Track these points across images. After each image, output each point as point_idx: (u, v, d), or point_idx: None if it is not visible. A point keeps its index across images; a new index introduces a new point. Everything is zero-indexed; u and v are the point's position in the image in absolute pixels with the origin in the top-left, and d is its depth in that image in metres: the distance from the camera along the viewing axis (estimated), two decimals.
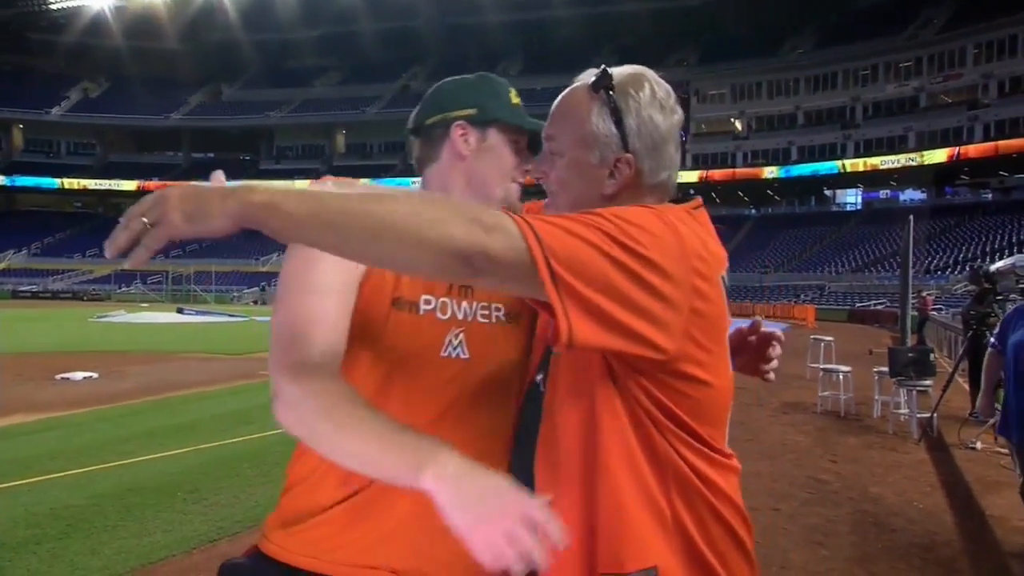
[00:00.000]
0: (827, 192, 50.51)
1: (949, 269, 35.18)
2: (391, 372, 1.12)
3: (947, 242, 38.66)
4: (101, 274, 50.20)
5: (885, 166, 43.63)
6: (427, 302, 1.14)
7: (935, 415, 6.92)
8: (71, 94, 60.37)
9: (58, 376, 9.75)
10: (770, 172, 46.87)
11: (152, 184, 58.02)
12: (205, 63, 61.49)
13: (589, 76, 1.10)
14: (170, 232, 0.81)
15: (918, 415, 6.94)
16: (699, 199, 1.10)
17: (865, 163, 44.05)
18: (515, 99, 1.29)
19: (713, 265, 0.99)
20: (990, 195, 44.23)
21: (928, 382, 7.02)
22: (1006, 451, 6.32)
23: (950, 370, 9.01)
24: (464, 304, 1.16)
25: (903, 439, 6.81)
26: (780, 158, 47.06)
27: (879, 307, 31.75)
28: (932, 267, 35.37)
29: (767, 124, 48.31)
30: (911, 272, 12.78)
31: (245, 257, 52.68)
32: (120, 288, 47.11)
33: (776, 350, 1.28)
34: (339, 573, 1.07)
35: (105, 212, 61.15)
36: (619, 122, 1.04)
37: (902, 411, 7.23)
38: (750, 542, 1.03)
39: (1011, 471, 5.71)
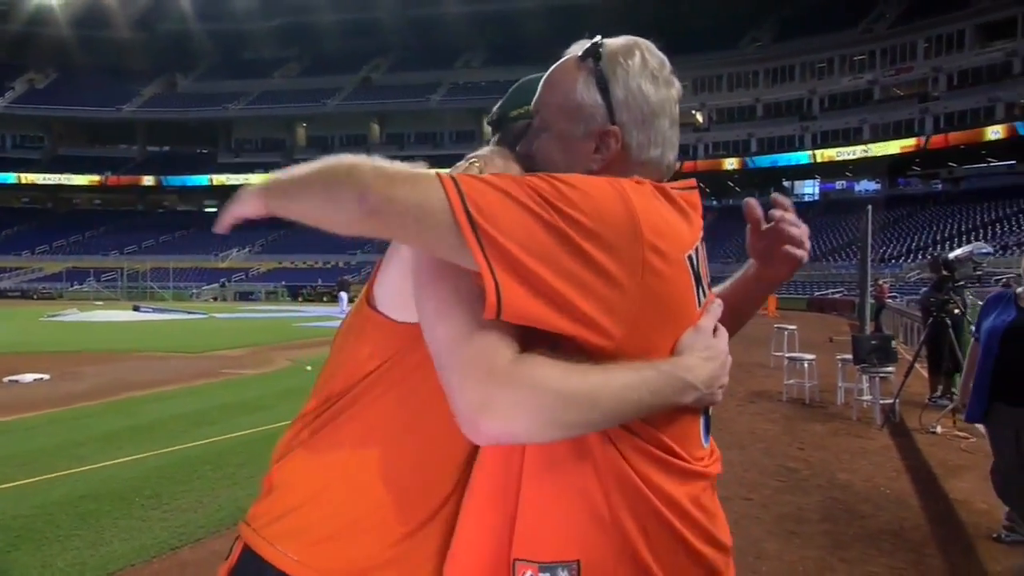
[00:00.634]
0: (786, 183, 51.46)
1: (903, 257, 36.22)
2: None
3: (900, 231, 39.77)
4: (52, 272, 48.62)
5: (841, 157, 44.62)
6: None
7: (897, 401, 7.06)
8: (15, 85, 58.05)
9: (6, 379, 9.34)
10: (731, 163, 47.52)
11: (109, 179, 56.49)
12: (159, 54, 59.70)
13: (580, 47, 1.03)
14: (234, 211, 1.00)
15: (881, 401, 7.07)
16: (693, 180, 1.04)
17: (822, 154, 44.99)
18: None
19: (673, 241, 0.93)
20: (940, 186, 45.65)
21: (890, 369, 7.16)
22: (965, 435, 6.50)
23: (908, 357, 9.23)
24: None
25: (867, 425, 6.93)
26: (740, 150, 47.78)
27: (836, 295, 32.54)
28: (887, 256, 36.33)
29: (727, 116, 48.97)
30: (869, 260, 13.09)
31: (204, 253, 51.53)
32: (72, 286, 45.67)
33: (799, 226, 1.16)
34: None
35: (55, 207, 59.23)
36: (605, 92, 0.98)
37: (865, 398, 7.36)
38: (713, 552, 0.96)
39: (971, 454, 5.87)
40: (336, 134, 58.27)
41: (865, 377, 7.32)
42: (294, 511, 1.04)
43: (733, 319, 1.11)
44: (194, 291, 44.65)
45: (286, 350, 13.78)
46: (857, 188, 49.15)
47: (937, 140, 40.90)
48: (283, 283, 45.70)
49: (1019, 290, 3.53)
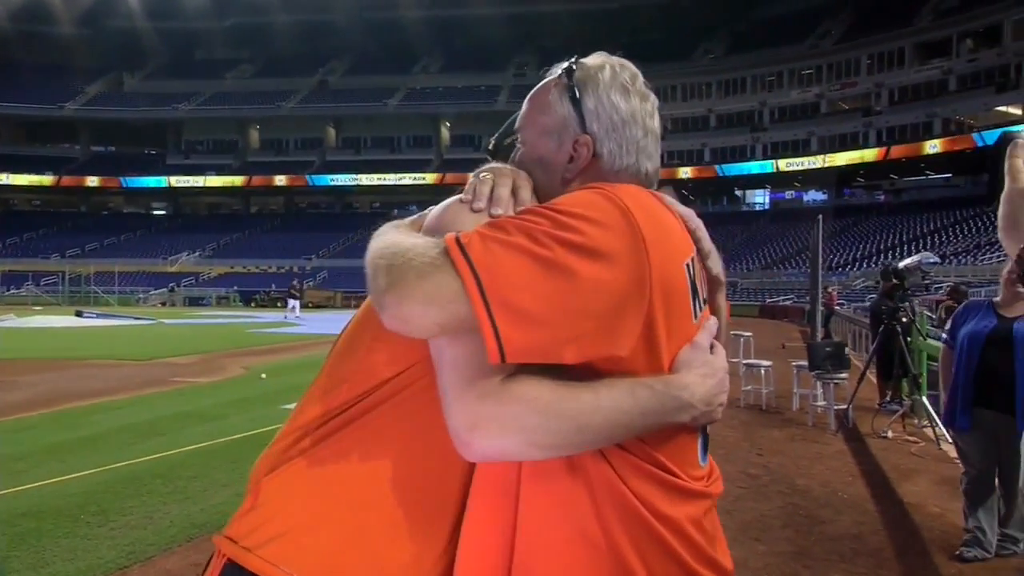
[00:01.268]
0: (737, 192, 52.71)
1: (849, 266, 37.43)
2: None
3: (847, 240, 41.09)
4: None
5: (790, 168, 45.93)
6: None
7: (851, 407, 7.24)
8: None
9: None
10: (685, 172, 48.34)
11: (58, 179, 54.32)
12: (105, 51, 57.68)
13: (559, 68, 1.08)
14: None
15: (835, 407, 7.24)
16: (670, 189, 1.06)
17: (776, 164, 46.24)
18: None
19: (673, 250, 0.95)
20: (883, 197, 47.39)
21: (844, 375, 7.35)
22: (915, 439, 6.70)
23: (858, 363, 9.50)
24: None
25: (822, 430, 7.09)
26: (694, 159, 48.74)
27: (787, 303, 33.37)
28: (834, 264, 37.46)
29: (682, 126, 49.88)
30: (820, 269, 13.45)
31: (152, 257, 49.98)
32: (8, 290, 43.63)
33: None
34: None
35: None
36: (577, 103, 1.02)
37: (820, 403, 7.52)
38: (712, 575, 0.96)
39: (921, 458, 6.05)
40: (291, 137, 57.36)
41: (820, 383, 7.49)
42: (296, 527, 0.98)
43: None
44: (141, 296, 43.18)
45: (240, 357, 13.43)
46: (806, 198, 50.62)
47: (880, 153, 42.45)
48: (235, 288, 44.54)
49: (995, 299, 3.65)
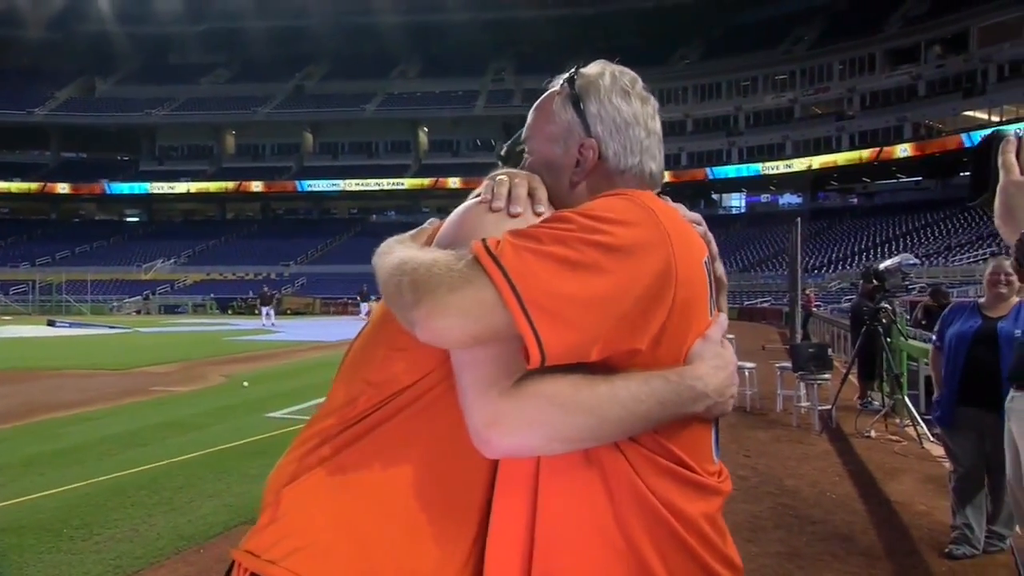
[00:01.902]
0: (715, 196, 53.23)
1: (825, 268, 37.91)
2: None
3: (822, 243, 41.65)
4: None
5: (767, 171, 46.53)
6: None
7: (834, 407, 7.32)
8: None
9: None
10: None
11: (20, 186, 53.17)
12: (76, 56, 56.75)
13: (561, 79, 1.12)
14: None
15: (819, 407, 7.32)
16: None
17: (760, 167, 46.82)
18: None
19: (694, 247, 0.98)
20: (855, 200, 48.17)
21: (827, 376, 7.44)
22: (898, 438, 6.80)
23: (839, 364, 9.63)
24: None
25: (806, 431, 7.16)
26: (671, 163, 49.11)
27: (765, 305, 33.72)
28: (809, 266, 37.92)
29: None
30: (799, 271, 13.63)
31: (126, 264, 49.12)
32: None
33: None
34: None
35: None
36: (580, 109, 1.06)
37: (804, 404, 7.60)
38: (729, 574, 0.98)
39: (904, 457, 6.14)
40: (267, 142, 56.81)
41: (803, 384, 7.57)
42: (321, 537, 0.97)
43: None
44: (115, 304, 42.37)
45: (219, 365, 13.23)
46: (781, 201, 51.28)
47: (852, 156, 43.16)
48: (212, 295, 43.93)
49: (980, 300, 3.73)
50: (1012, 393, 3.11)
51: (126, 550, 3.78)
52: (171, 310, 41.76)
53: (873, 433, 6.86)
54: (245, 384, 10.40)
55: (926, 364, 7.16)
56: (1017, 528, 3.74)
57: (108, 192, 54.80)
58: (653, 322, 0.90)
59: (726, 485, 1.02)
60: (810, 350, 7.51)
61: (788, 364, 8.14)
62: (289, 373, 11.82)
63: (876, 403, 7.92)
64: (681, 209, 1.06)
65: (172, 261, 49.87)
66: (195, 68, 58.45)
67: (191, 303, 43.21)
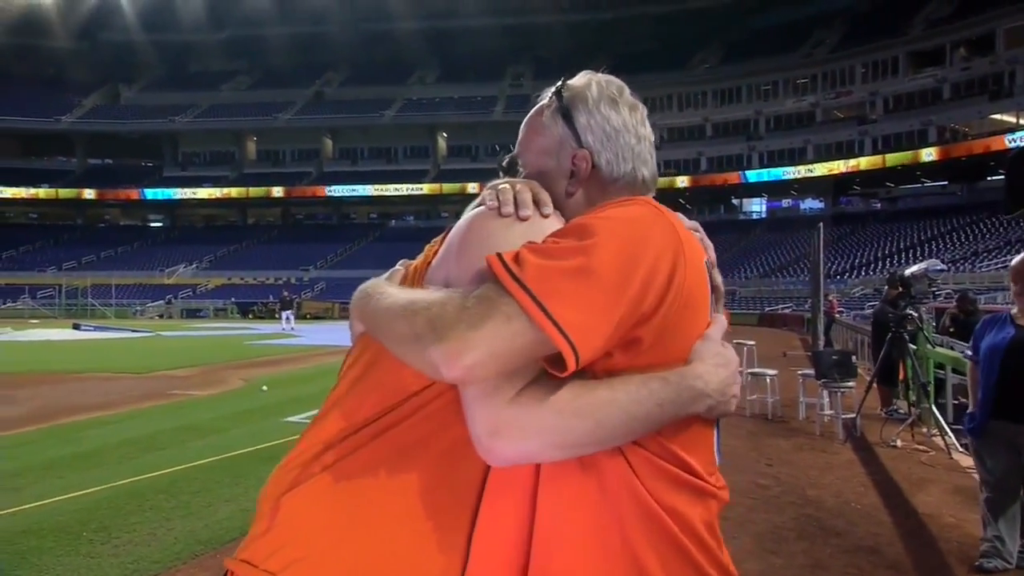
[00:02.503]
0: (735, 201, 52.79)
1: (847, 273, 37.43)
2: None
3: (844, 248, 41.13)
4: None
5: (788, 176, 46.07)
6: None
7: (858, 415, 7.18)
8: None
9: None
10: (682, 181, 48.44)
11: (46, 192, 54.20)
12: (101, 64, 57.76)
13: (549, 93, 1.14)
14: None
15: (842, 416, 7.18)
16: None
17: (770, 173, 46.37)
18: None
19: (695, 247, 0.99)
20: (879, 204, 47.52)
21: (851, 383, 7.28)
22: (925, 448, 6.64)
23: (863, 372, 9.45)
24: None
25: (830, 440, 7.02)
26: (691, 168, 48.85)
27: (786, 311, 33.34)
28: (832, 272, 37.45)
29: (677, 135, 50.02)
30: (822, 277, 13.45)
31: (149, 269, 49.82)
32: (5, 303, 43.42)
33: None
34: None
35: None
36: (570, 121, 1.07)
37: (827, 412, 7.45)
38: None
39: (932, 467, 5.99)
40: (287, 148, 57.36)
41: (826, 392, 7.43)
42: (322, 545, 0.95)
43: None
44: (138, 308, 42.93)
45: (239, 369, 13.32)
46: (803, 206, 50.71)
47: (875, 161, 42.59)
48: (232, 300, 44.37)
49: (1014, 310, 3.62)
50: None
51: (144, 554, 3.79)
52: (193, 314, 42.23)
53: (899, 442, 6.71)
54: (264, 388, 10.45)
55: (954, 372, 7.01)
56: None
57: (132, 198, 55.60)
58: (659, 319, 0.92)
59: (724, 493, 1.00)
60: (834, 357, 7.36)
61: (810, 371, 7.99)
62: (307, 377, 11.86)
63: (902, 411, 7.75)
64: (680, 217, 1.06)
65: (194, 266, 50.48)
66: (217, 75, 59.22)
67: (212, 307, 43.68)
